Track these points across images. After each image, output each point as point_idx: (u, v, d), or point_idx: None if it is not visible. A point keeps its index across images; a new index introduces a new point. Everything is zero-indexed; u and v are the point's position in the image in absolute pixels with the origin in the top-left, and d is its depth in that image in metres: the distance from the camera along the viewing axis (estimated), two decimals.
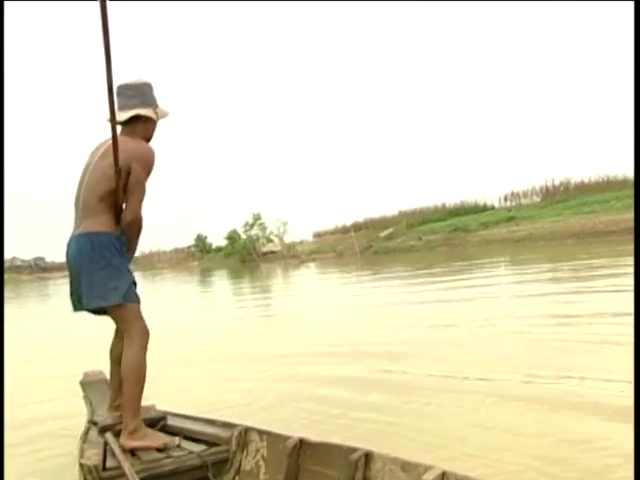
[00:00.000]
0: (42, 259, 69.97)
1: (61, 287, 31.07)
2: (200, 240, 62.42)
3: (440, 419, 3.88)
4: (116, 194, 2.96)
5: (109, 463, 2.75)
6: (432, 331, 7.32)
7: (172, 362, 6.17)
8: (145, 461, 2.79)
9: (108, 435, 2.95)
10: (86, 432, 3.25)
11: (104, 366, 3.43)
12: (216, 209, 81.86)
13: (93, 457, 2.87)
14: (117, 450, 2.77)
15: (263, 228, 54.61)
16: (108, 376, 3.49)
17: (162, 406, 3.52)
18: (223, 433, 3.04)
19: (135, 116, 3.12)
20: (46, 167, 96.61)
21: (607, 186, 33.64)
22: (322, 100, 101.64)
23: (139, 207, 3.04)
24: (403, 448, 3.27)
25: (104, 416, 3.30)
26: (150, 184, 3.08)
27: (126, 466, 2.61)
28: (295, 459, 2.67)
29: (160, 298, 17.33)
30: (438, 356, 5.73)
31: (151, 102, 3.20)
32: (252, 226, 54.51)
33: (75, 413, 4.23)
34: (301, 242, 52.17)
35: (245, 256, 50.61)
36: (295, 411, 4.32)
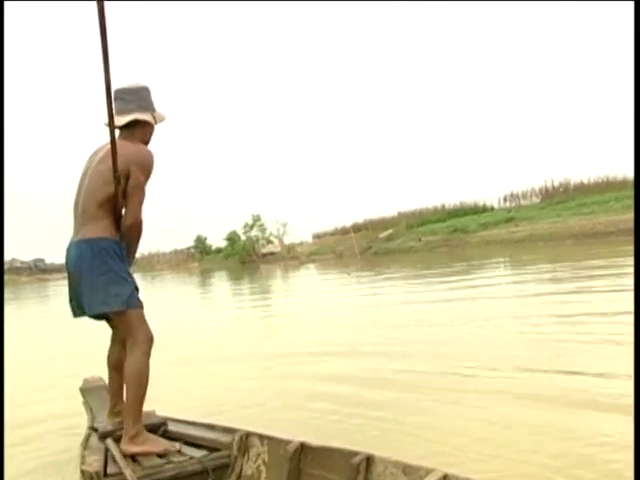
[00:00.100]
0: (42, 260, 69.88)
1: (61, 288, 31.01)
2: (200, 241, 62.34)
3: (442, 416, 3.91)
4: (115, 199, 2.95)
5: (110, 469, 2.76)
6: (432, 331, 7.33)
7: (172, 362, 6.17)
8: (146, 467, 2.79)
9: (109, 441, 2.96)
10: (86, 438, 3.25)
11: (103, 366, 3.43)
12: (216, 210, 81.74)
13: (94, 463, 2.88)
14: (118, 456, 2.78)
15: (263, 229, 54.56)
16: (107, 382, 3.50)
17: (163, 410, 3.53)
18: (224, 438, 3.04)
19: (133, 120, 3.12)
20: (46, 168, 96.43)
21: (606, 187, 33.64)
22: (322, 101, 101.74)
23: (139, 211, 3.04)
24: (406, 445, 3.33)
25: (104, 422, 3.30)
26: (149, 186, 3.08)
27: (127, 472, 2.62)
28: (296, 463, 2.66)
29: (160, 299, 17.35)
30: (438, 355, 5.75)
31: (149, 106, 3.20)
32: (252, 227, 54.47)
33: (74, 413, 4.26)
34: (301, 243, 52.18)
35: (245, 257, 50.56)
36: (297, 410, 4.34)
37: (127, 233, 3.05)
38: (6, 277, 56.07)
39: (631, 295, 7.53)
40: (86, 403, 3.80)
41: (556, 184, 38.77)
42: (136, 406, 2.95)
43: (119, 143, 2.80)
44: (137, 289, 3.05)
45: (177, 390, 5.11)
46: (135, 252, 3.27)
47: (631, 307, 5.75)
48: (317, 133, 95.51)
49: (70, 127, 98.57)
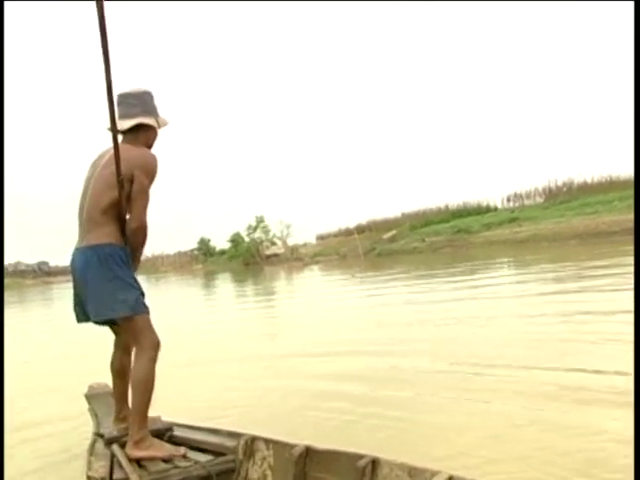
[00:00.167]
0: (46, 263, 70.02)
1: (65, 291, 31.07)
2: (203, 243, 62.32)
3: (450, 414, 3.94)
4: (120, 204, 2.96)
5: (116, 475, 2.78)
6: (437, 330, 7.36)
7: (177, 364, 6.18)
8: (152, 472, 2.80)
9: (115, 447, 2.98)
10: (92, 444, 3.26)
11: (105, 368, 3.45)
12: (219, 212, 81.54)
13: (100, 469, 2.90)
14: (124, 461, 2.80)
15: (266, 231, 54.50)
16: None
17: (169, 412, 3.55)
18: (229, 443, 3.04)
19: (137, 124, 3.13)
20: (46, 171, 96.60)
21: (610, 187, 33.54)
22: (325, 103, 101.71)
23: (143, 214, 3.03)
24: (417, 445, 3.35)
25: (110, 428, 3.31)
26: (153, 188, 3.08)
27: (133, 477, 2.64)
28: (302, 467, 2.67)
29: (164, 301, 17.41)
30: (443, 354, 5.80)
31: (152, 111, 3.22)
32: (255, 229, 54.42)
33: (73, 415, 4.33)
34: (304, 245, 52.14)
35: (248, 259, 50.53)
36: (304, 409, 4.37)
37: (132, 237, 3.05)
38: (11, 280, 56.24)
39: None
40: (92, 409, 3.81)
41: (559, 184, 38.73)
42: (142, 411, 2.96)
43: (122, 147, 2.80)
44: (143, 295, 3.05)
45: (183, 392, 5.12)
46: (140, 257, 3.27)
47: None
48: (320, 134, 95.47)
49: (71, 130, 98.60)
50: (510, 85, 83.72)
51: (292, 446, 2.76)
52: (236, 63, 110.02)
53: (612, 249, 17.02)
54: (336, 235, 49.84)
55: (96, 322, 3.11)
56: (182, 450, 3.01)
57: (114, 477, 2.77)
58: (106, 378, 3.45)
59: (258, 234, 54.44)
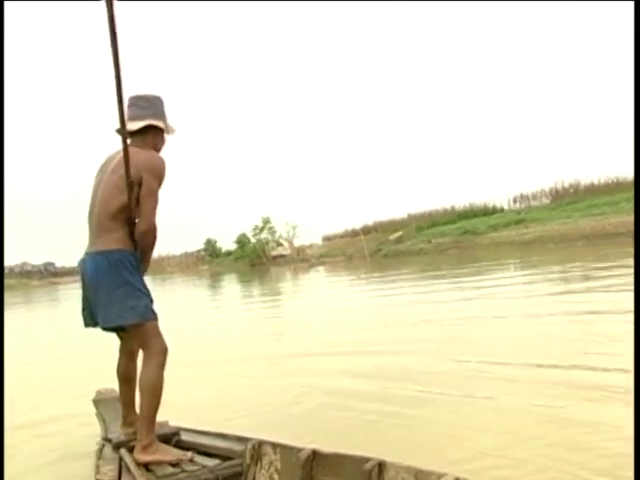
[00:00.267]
0: (52, 264, 70.35)
1: (71, 292, 31.21)
2: (210, 244, 62.46)
3: (458, 412, 3.94)
4: (129, 208, 2.95)
5: (124, 479, 2.80)
6: (444, 330, 7.37)
7: (183, 364, 6.18)
8: (160, 476, 2.81)
9: (123, 451, 3.00)
10: (100, 449, 3.28)
11: (109, 368, 3.47)
12: (225, 213, 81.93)
13: (109, 473, 2.92)
14: (132, 466, 2.82)
15: (272, 232, 54.60)
16: None
17: (176, 415, 3.57)
18: (236, 447, 3.05)
19: (146, 126, 3.14)
20: (52, 172, 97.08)
21: (617, 188, 33.41)
22: (332, 104, 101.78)
23: (153, 216, 3.02)
24: (425, 444, 3.38)
25: (118, 433, 3.32)
26: (161, 190, 3.09)
27: None
28: (308, 471, 2.67)
29: (170, 302, 17.44)
30: (450, 353, 5.79)
31: (162, 116, 3.23)
32: (262, 230, 54.53)
33: (74, 415, 4.33)
34: (310, 246, 52.17)
35: (255, 260, 50.59)
36: (311, 409, 4.37)
37: (141, 239, 3.04)
38: (17, 281, 56.49)
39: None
40: (99, 414, 3.83)
41: (566, 185, 38.70)
42: (150, 417, 2.97)
43: (131, 150, 2.79)
44: (152, 301, 3.06)
45: (190, 392, 5.09)
46: (149, 259, 3.26)
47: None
48: (327, 136, 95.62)
49: (73, 131, 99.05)
50: (517, 86, 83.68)
51: (299, 450, 2.75)
52: (242, 65, 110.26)
53: (619, 250, 16.98)
54: (342, 236, 49.86)
55: (104, 328, 3.12)
56: (189, 454, 3.02)
57: None
58: (112, 381, 3.47)
59: (264, 235, 54.59)
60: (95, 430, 3.81)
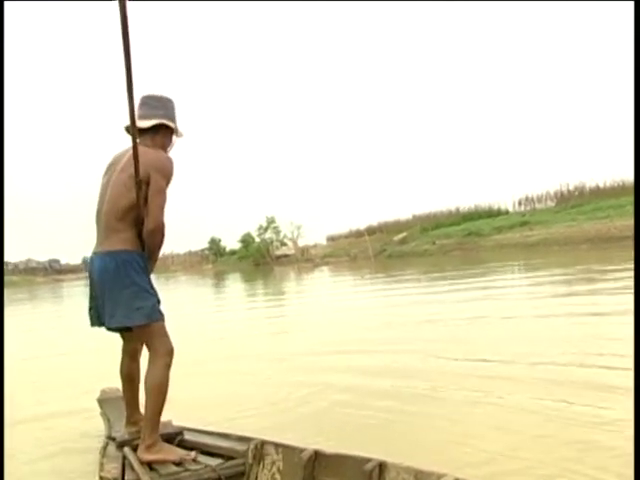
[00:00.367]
0: (57, 261, 70.56)
1: (75, 289, 31.34)
2: (214, 243, 62.55)
3: (465, 412, 3.96)
4: (138, 207, 2.94)
5: (128, 476, 2.82)
6: (448, 329, 7.41)
7: (187, 363, 6.20)
8: (163, 474, 2.82)
9: (126, 450, 3.01)
10: (104, 447, 3.30)
11: (111, 367, 3.48)
12: (230, 212, 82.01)
13: (113, 470, 2.94)
14: (136, 464, 2.83)
15: (277, 231, 54.68)
16: None
17: (181, 413, 3.59)
18: (239, 447, 3.05)
19: (157, 125, 3.14)
20: (55, 170, 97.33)
21: (622, 191, 33.23)
22: (337, 104, 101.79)
23: (161, 214, 3.01)
24: (429, 439, 3.42)
25: (122, 432, 3.34)
26: (168, 189, 3.08)
27: (145, 479, 2.68)
28: (310, 471, 2.67)
29: (174, 300, 17.49)
30: (453, 353, 5.80)
31: (173, 117, 3.23)
32: (266, 229, 54.60)
33: (75, 410, 4.34)
34: (315, 246, 52.20)
35: (259, 259, 50.68)
36: (316, 409, 4.37)
37: (149, 238, 3.03)
38: (21, 277, 56.68)
39: None
40: (104, 413, 3.85)
41: (571, 188, 38.59)
42: (155, 416, 2.98)
43: (139, 149, 2.77)
44: (159, 301, 3.06)
45: (196, 391, 5.10)
46: (157, 258, 3.25)
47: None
48: (332, 136, 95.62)
49: (77, 130, 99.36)
50: (524, 88, 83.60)
51: (301, 450, 2.76)
52: (247, 65, 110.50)
53: (624, 254, 16.93)
54: (346, 236, 49.87)
55: (109, 328, 3.12)
56: (193, 454, 3.03)
57: (126, 478, 2.81)
58: (115, 378, 3.48)
59: (269, 235, 54.66)
60: (96, 426, 3.85)
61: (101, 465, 3.08)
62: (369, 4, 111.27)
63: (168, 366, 3.00)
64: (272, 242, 54.01)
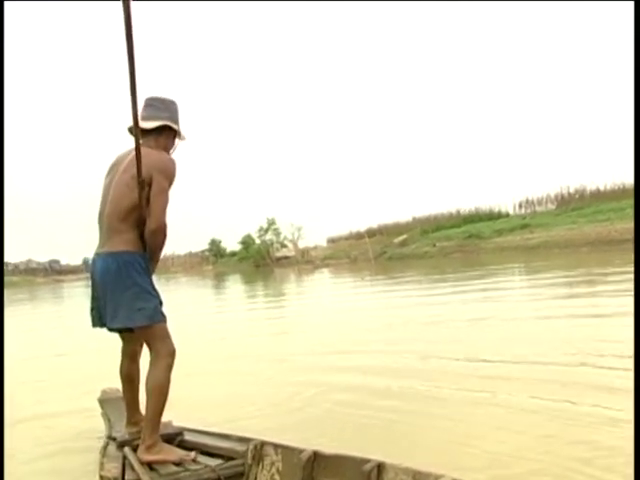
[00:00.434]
0: (57, 262, 70.59)
1: (75, 290, 31.33)
2: (214, 244, 62.56)
3: (467, 413, 3.96)
4: (140, 208, 2.94)
5: (128, 476, 2.82)
6: (449, 331, 7.42)
7: (188, 364, 6.21)
8: (163, 474, 2.82)
9: (127, 449, 3.01)
10: (105, 447, 3.30)
11: (113, 368, 3.48)
12: (230, 214, 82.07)
13: (113, 470, 2.94)
14: (136, 464, 2.83)
15: (277, 233, 54.70)
16: None
17: (182, 414, 3.60)
18: (239, 447, 3.06)
19: (161, 127, 3.15)
20: (57, 171, 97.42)
21: (623, 194, 33.21)
22: (337, 106, 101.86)
23: (163, 215, 3.01)
24: (431, 439, 3.44)
25: (122, 432, 3.34)
26: (171, 190, 3.08)
27: (145, 478, 2.68)
28: (309, 472, 2.68)
29: (175, 301, 17.45)
30: (455, 353, 5.81)
31: (177, 120, 3.24)
32: (266, 231, 54.62)
33: (75, 410, 4.33)
34: (315, 247, 52.22)
35: (259, 261, 50.69)
36: (318, 409, 4.37)
37: (151, 238, 3.02)
38: (22, 278, 56.68)
39: None
40: (104, 414, 3.85)
41: (572, 191, 38.58)
42: (155, 417, 2.98)
43: (143, 150, 2.78)
44: (161, 303, 3.06)
45: (196, 392, 5.12)
46: (158, 259, 3.25)
47: None
48: (333, 138, 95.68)
49: (78, 131, 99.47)
50: (525, 91, 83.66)
51: (300, 451, 2.77)
52: (248, 67, 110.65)
53: (624, 256, 16.94)
54: (347, 238, 49.87)
55: (111, 329, 3.12)
56: (192, 454, 3.04)
57: (126, 478, 2.82)
58: (114, 378, 3.48)
59: (269, 236, 54.67)
60: (96, 426, 3.85)
61: (101, 464, 3.08)
62: (370, 6, 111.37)
63: (170, 367, 3.00)
64: (272, 244, 54.01)
